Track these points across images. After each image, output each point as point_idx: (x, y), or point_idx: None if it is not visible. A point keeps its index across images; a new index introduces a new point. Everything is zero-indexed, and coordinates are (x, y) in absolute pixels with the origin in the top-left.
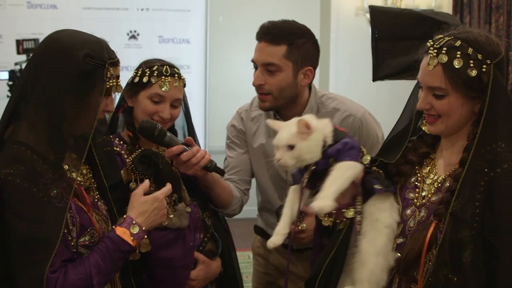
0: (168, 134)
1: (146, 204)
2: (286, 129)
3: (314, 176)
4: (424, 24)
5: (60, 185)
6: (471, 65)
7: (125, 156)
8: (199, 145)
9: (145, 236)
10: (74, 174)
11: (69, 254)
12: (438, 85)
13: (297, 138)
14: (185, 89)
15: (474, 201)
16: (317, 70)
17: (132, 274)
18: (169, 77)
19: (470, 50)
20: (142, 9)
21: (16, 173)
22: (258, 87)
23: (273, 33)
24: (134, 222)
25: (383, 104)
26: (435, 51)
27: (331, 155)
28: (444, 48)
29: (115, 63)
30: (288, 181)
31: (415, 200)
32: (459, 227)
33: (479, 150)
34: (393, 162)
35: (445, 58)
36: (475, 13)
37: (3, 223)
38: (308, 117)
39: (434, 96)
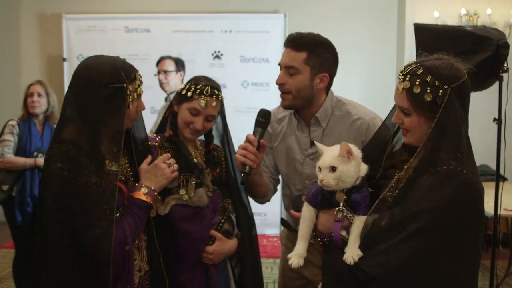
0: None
1: (147, 172)
2: (330, 153)
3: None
4: (466, 39)
5: (99, 175)
6: (428, 91)
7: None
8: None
9: (156, 193)
10: (113, 167)
11: None
12: (403, 105)
13: (340, 161)
14: (264, 104)
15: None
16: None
17: (159, 246)
18: (208, 97)
19: (428, 78)
20: (226, 31)
21: (63, 167)
22: (280, 85)
23: (297, 41)
24: (143, 185)
25: None
26: (402, 77)
27: (353, 203)
28: (408, 75)
29: (132, 80)
30: (303, 173)
31: (389, 199)
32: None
33: (424, 157)
34: (382, 167)
35: (408, 84)
36: None
37: (47, 207)
38: (352, 146)
39: (403, 113)
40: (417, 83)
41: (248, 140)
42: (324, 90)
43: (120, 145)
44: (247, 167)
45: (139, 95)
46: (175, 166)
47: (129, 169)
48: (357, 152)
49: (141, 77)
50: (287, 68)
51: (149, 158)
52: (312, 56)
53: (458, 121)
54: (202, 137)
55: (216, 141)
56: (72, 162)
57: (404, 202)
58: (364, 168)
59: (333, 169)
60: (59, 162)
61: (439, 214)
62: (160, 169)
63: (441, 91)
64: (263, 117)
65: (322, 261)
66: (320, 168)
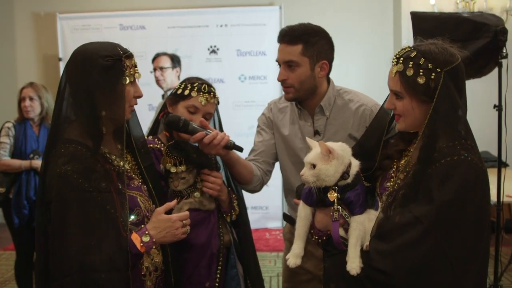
0: (191, 123)
1: (160, 222)
2: (315, 149)
3: (321, 201)
4: (464, 26)
5: (108, 177)
6: (421, 73)
7: (162, 150)
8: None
9: (154, 247)
10: (121, 163)
11: None
12: (396, 89)
13: (320, 160)
14: (263, 97)
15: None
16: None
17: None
18: (206, 94)
19: (422, 60)
20: (221, 26)
21: (74, 169)
22: (282, 81)
23: (290, 35)
24: (147, 232)
25: None
26: (395, 60)
27: (347, 202)
28: (401, 58)
29: (129, 56)
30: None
31: (389, 188)
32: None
33: (424, 147)
34: (379, 157)
35: (401, 67)
36: None
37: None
38: (334, 145)
39: (396, 97)
40: (410, 65)
41: (198, 139)
42: (325, 78)
43: (123, 135)
44: (229, 142)
45: (135, 79)
46: (188, 228)
47: (136, 167)
48: (342, 150)
49: (136, 63)
50: (286, 63)
51: (172, 203)
52: (308, 46)
53: (455, 106)
54: None
55: None
56: (83, 165)
57: (418, 197)
58: (355, 165)
59: (313, 166)
60: (69, 165)
61: (453, 206)
62: (173, 227)
63: (433, 74)
64: (173, 126)
65: (324, 268)
66: (305, 163)
